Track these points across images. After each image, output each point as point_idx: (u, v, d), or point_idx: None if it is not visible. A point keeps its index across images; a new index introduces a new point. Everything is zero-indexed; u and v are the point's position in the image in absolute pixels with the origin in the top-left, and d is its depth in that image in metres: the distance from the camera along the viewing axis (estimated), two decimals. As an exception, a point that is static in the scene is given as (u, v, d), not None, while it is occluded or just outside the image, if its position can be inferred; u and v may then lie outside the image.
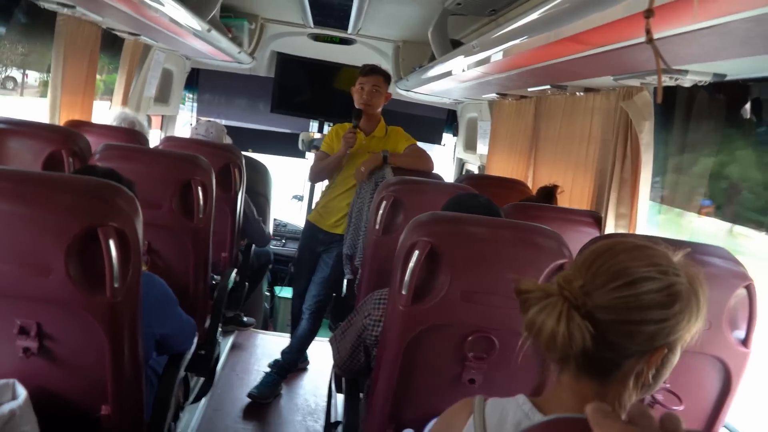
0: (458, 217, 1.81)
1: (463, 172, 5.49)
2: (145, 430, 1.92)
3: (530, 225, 1.78)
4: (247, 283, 3.98)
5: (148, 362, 1.98)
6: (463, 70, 2.88)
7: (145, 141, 3.32)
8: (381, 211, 2.58)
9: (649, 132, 2.48)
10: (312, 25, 4.53)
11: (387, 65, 5.09)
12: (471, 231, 1.73)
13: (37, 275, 1.51)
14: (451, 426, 1.13)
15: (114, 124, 3.48)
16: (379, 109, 3.41)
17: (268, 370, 3.73)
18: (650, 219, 2.61)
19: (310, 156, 5.53)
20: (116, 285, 1.53)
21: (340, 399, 2.80)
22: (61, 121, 3.23)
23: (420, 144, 3.46)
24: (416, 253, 1.67)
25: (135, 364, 1.71)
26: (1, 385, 1.58)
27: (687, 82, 2.09)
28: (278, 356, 3.82)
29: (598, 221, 2.65)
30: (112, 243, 1.50)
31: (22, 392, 1.57)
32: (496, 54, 2.25)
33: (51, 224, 1.49)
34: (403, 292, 1.69)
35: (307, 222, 3.66)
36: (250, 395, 3.50)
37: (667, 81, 2.14)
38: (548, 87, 3.06)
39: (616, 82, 2.42)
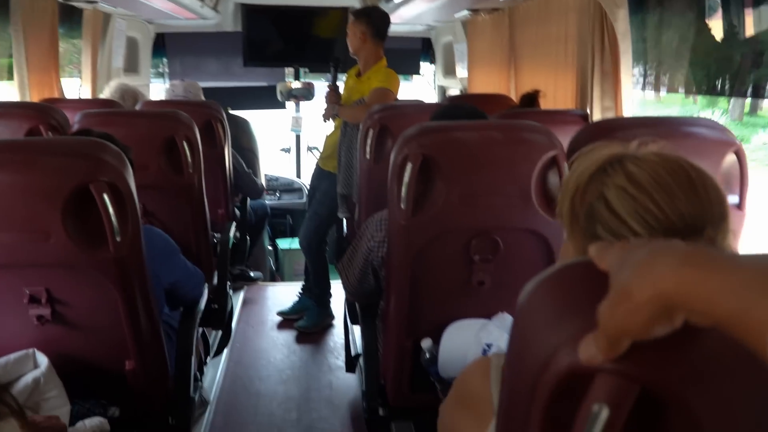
0: (446, 125, 1.81)
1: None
2: (171, 382, 1.96)
3: (518, 122, 1.79)
4: (248, 238, 4.01)
5: (162, 317, 2.00)
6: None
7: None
8: (369, 140, 2.57)
9: (624, 20, 2.46)
10: (272, -32, 4.42)
11: (354, 1, 4.99)
12: (460, 136, 1.73)
13: (38, 241, 1.51)
14: (469, 386, 1.05)
15: (114, 97, 3.42)
16: (357, 48, 3.33)
17: (280, 319, 3.80)
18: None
19: (290, 105, 5.48)
20: (118, 239, 1.54)
21: (357, 331, 2.86)
22: (33, 100, 3.18)
23: (401, 77, 3.42)
24: (409, 165, 1.68)
25: (151, 316, 1.73)
26: (21, 356, 1.60)
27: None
28: (289, 305, 3.88)
29: (585, 119, 2.65)
30: (106, 197, 1.50)
31: (43, 360, 1.60)
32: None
33: (42, 188, 1.49)
34: (402, 207, 1.70)
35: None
36: (279, 313, 3.81)
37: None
38: (519, -8, 3.01)
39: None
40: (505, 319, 1.77)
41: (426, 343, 1.79)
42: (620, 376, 0.55)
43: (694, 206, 0.82)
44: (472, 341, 1.70)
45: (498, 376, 0.95)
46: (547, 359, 0.60)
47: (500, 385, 0.92)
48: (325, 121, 3.46)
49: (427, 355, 1.79)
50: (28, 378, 1.56)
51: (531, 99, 2.91)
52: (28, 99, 3.18)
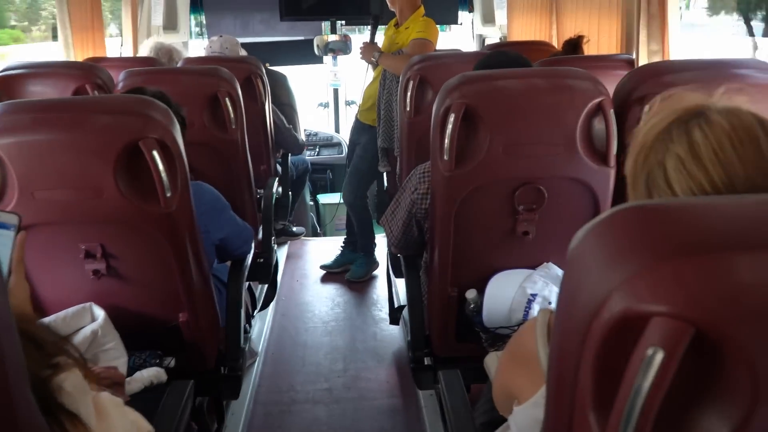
0: (488, 74, 1.78)
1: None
2: (222, 332, 2.02)
3: (561, 69, 1.75)
4: (290, 193, 4.05)
5: (212, 270, 2.05)
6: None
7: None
8: (409, 93, 2.56)
9: (673, -43, 2.36)
10: None
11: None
12: (503, 85, 1.71)
13: (91, 197, 1.55)
14: (523, 345, 1.04)
15: (151, 55, 3.45)
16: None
17: (324, 272, 3.87)
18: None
19: (328, 60, 5.44)
20: (168, 194, 1.57)
21: (400, 285, 2.89)
22: (77, 59, 3.23)
23: (438, 26, 3.36)
24: (452, 116, 1.66)
25: (201, 270, 1.78)
26: (79, 310, 1.66)
27: None
28: (332, 259, 3.94)
29: (630, 64, 2.58)
30: (156, 154, 1.52)
31: (100, 313, 1.65)
32: None
33: (94, 146, 1.53)
34: (445, 158, 1.70)
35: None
36: (322, 267, 3.89)
37: None
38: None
39: None
40: (550, 270, 1.77)
41: (471, 294, 1.80)
42: (675, 318, 0.55)
43: (757, 175, 0.80)
44: (516, 291, 1.71)
45: (543, 332, 0.96)
46: (601, 303, 0.60)
47: (549, 337, 0.93)
48: (362, 59, 3.45)
49: (472, 305, 1.80)
50: (87, 330, 1.62)
51: (574, 45, 2.83)
52: (72, 58, 3.24)
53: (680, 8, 2.39)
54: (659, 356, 0.55)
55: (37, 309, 1.79)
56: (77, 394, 0.84)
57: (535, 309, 1.69)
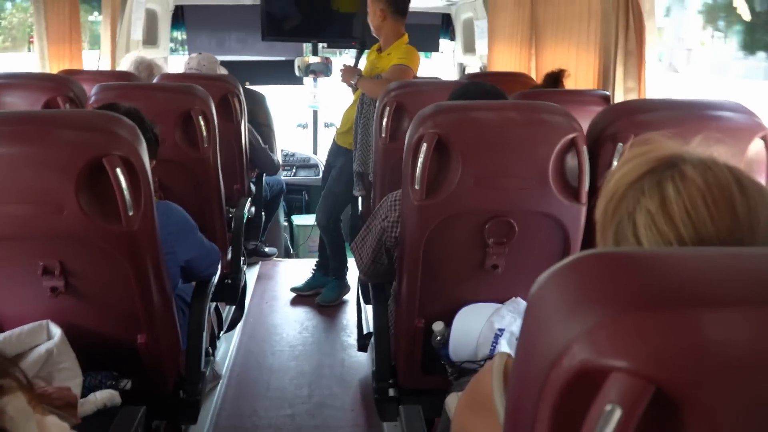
0: (462, 104, 1.78)
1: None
2: (183, 357, 1.97)
3: (536, 103, 1.75)
4: (263, 214, 4.01)
5: (176, 291, 2.00)
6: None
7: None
8: (385, 118, 2.54)
9: (650, -3, 2.40)
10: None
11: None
12: (477, 116, 1.70)
13: (52, 213, 1.51)
14: (481, 389, 1.02)
15: (130, 70, 3.41)
16: (376, 25, 3.28)
17: (294, 295, 3.82)
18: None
19: (308, 81, 5.44)
20: (130, 213, 1.53)
21: (370, 311, 2.85)
22: (52, 71, 3.18)
23: (420, 53, 3.37)
24: (424, 145, 1.65)
25: (163, 291, 1.73)
26: (35, 327, 1.61)
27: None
28: (303, 281, 3.89)
29: (606, 100, 2.60)
30: (119, 171, 1.49)
31: (56, 331, 1.60)
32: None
33: (56, 161, 1.49)
34: (416, 187, 1.68)
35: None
36: (292, 289, 3.85)
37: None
38: (542, -32, 2.95)
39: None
40: (518, 304, 1.75)
41: (437, 326, 1.78)
42: (635, 375, 0.53)
43: (729, 237, 0.77)
44: (483, 325, 1.69)
45: (499, 378, 0.93)
46: (559, 354, 0.58)
47: (507, 383, 0.91)
48: (342, 81, 3.42)
49: (438, 338, 1.77)
50: (42, 349, 1.57)
51: (555, 78, 2.85)
52: (47, 70, 3.19)
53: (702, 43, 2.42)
54: (617, 414, 0.53)
55: (-8, 325, 1.74)
56: (20, 419, 0.81)
57: (503, 344, 1.67)
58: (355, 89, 3.39)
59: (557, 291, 0.63)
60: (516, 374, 0.69)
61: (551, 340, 0.60)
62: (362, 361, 3.05)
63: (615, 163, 1.73)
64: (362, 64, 3.50)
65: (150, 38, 4.81)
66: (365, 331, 2.93)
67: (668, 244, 0.79)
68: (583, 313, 0.58)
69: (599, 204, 0.88)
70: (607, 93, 2.62)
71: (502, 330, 1.68)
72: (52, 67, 3.22)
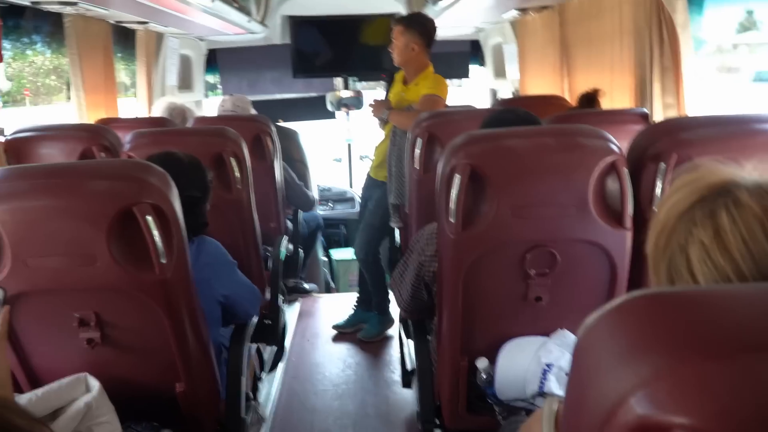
0: (494, 133, 1.72)
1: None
2: (223, 403, 1.93)
3: (571, 127, 1.69)
4: (301, 250, 3.99)
5: (216, 336, 1.97)
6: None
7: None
8: (417, 149, 2.51)
9: (683, 11, 2.32)
10: (317, -23, 4.42)
11: (400, 6, 4.94)
12: (510, 144, 1.65)
13: (85, 264, 1.50)
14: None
15: (164, 115, 3.46)
16: (406, 58, 3.24)
17: (335, 332, 3.78)
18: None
19: (340, 115, 5.47)
20: (163, 261, 1.51)
21: (413, 346, 2.79)
22: (90, 120, 3.24)
23: (448, 81, 3.34)
24: (457, 177, 1.60)
25: (199, 338, 1.70)
26: (73, 381, 1.59)
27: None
28: (345, 317, 3.85)
29: (645, 118, 2.52)
30: (150, 219, 1.47)
31: (95, 384, 1.58)
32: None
33: (87, 211, 1.48)
34: (452, 220, 1.63)
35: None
36: (334, 326, 3.80)
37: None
38: (570, -12, 2.90)
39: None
40: (565, 337, 1.68)
41: (482, 363, 1.71)
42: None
43: None
44: (530, 361, 1.61)
45: (550, 426, 0.86)
46: (613, 408, 0.52)
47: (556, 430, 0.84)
48: (373, 116, 3.41)
49: (484, 376, 1.70)
50: (80, 402, 1.55)
51: (590, 99, 2.79)
52: (85, 120, 3.25)
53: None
54: (679, 474, 0.47)
55: (31, 378, 1.73)
56: None
57: (552, 380, 1.59)
58: (384, 123, 3.37)
59: (608, 337, 0.57)
60: (566, 428, 0.63)
61: (604, 392, 0.54)
62: (407, 398, 2.97)
63: (659, 184, 1.65)
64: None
65: (185, 83, 4.91)
66: (409, 368, 2.86)
67: (726, 279, 0.72)
68: (638, 363, 0.52)
69: (649, 238, 0.82)
70: (646, 111, 2.54)
71: (550, 365, 1.60)
72: (90, 117, 3.29)
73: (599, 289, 1.71)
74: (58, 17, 3.10)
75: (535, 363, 1.60)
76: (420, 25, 3.22)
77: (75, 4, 2.82)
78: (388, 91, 3.52)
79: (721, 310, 0.54)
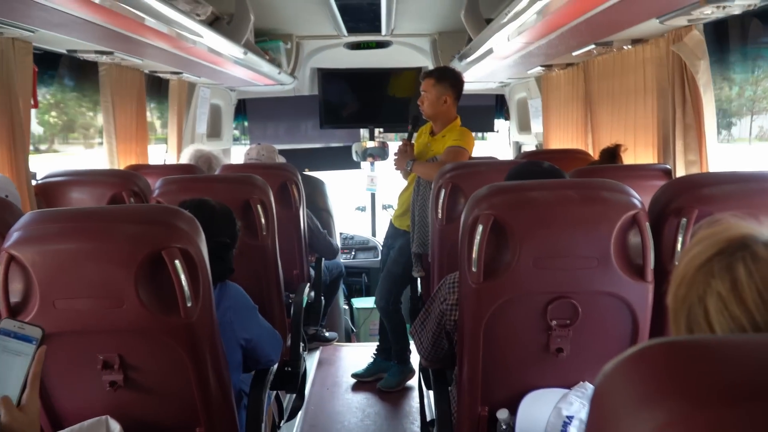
0: (517, 185, 1.75)
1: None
2: (243, 449, 1.93)
3: (593, 180, 1.71)
4: (323, 298, 4.00)
5: (237, 381, 1.98)
6: (508, 39, 2.78)
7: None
8: (441, 200, 2.54)
9: (705, 71, 2.36)
10: (346, 33, 4.55)
11: (427, 61, 5.05)
12: (532, 196, 1.67)
13: (112, 307, 1.53)
14: None
15: (191, 162, 3.55)
16: (437, 110, 3.28)
17: (355, 381, 3.76)
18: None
19: (365, 165, 5.54)
20: (189, 305, 1.54)
21: (432, 396, 2.76)
22: (120, 167, 3.33)
23: (474, 133, 3.38)
24: (480, 227, 1.62)
25: (221, 381, 1.71)
26: (94, 423, 1.61)
27: (736, 8, 1.98)
28: (365, 366, 3.83)
29: (668, 174, 2.53)
30: (178, 264, 1.51)
31: (115, 427, 1.60)
32: (532, 17, 2.18)
33: (117, 255, 1.52)
34: (473, 270, 1.64)
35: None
36: (353, 375, 3.82)
37: (715, 12, 2.03)
38: (593, 47, 2.95)
39: (663, 25, 2.32)
40: (587, 389, 1.66)
41: (502, 414, 1.69)
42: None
43: None
44: (551, 413, 1.60)
45: None
46: (630, 455, 0.53)
47: None
48: (396, 169, 3.43)
49: (504, 427, 1.69)
50: (102, 445, 1.56)
51: (612, 154, 2.81)
52: (116, 166, 3.35)
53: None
54: None
55: (53, 420, 1.75)
56: None
57: (572, 433, 1.57)
58: (407, 174, 3.40)
59: (624, 383, 0.58)
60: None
61: (620, 439, 0.55)
62: (426, 450, 2.93)
63: (680, 238, 1.66)
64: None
65: (214, 131, 5.03)
66: (428, 418, 2.83)
67: (741, 330, 0.73)
68: (653, 409, 0.53)
69: (670, 289, 0.83)
70: (668, 167, 2.56)
71: (570, 417, 1.59)
72: (120, 163, 3.38)
73: (621, 341, 1.70)
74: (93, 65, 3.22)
75: (555, 415, 1.59)
76: (451, 78, 3.28)
77: (111, 53, 2.94)
78: (411, 135, 3.50)
79: (735, 359, 0.54)
